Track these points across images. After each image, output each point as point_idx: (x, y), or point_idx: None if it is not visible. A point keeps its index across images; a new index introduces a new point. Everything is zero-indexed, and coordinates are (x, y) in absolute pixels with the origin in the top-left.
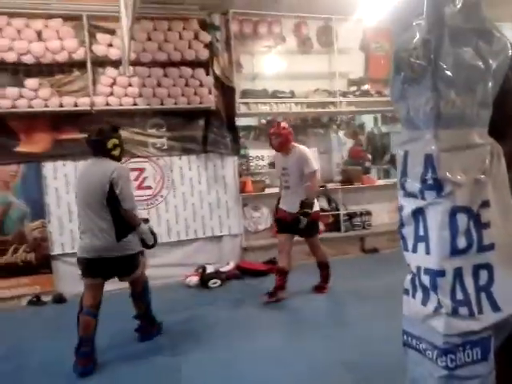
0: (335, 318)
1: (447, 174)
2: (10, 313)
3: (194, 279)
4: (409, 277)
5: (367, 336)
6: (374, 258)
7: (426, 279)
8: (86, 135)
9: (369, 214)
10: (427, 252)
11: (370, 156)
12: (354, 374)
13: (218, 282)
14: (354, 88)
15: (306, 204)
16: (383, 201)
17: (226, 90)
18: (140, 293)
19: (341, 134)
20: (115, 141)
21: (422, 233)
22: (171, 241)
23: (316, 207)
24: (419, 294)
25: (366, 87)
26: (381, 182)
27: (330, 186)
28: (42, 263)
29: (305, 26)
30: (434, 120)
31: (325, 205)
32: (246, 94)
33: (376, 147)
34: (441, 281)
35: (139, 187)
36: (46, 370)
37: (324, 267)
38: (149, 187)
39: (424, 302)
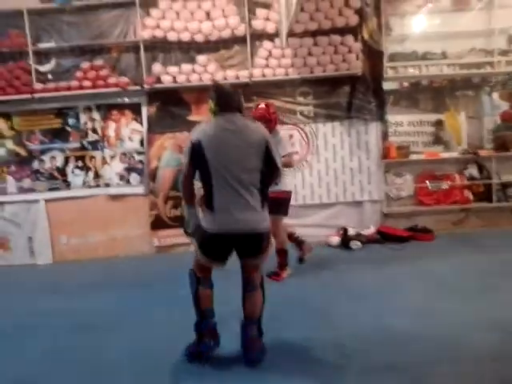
0: (477, 283)
1: None
2: (181, 256)
3: (336, 240)
4: None
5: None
6: None
7: None
8: (215, 86)
9: None
10: None
11: None
12: (497, 332)
13: (359, 243)
14: None
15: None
16: None
17: (373, 54)
18: (261, 284)
19: (495, 96)
20: None
21: None
22: (314, 203)
23: (286, 187)
24: None
25: None
26: None
27: (482, 153)
28: None
29: None
30: None
31: (475, 173)
32: (394, 57)
33: None
34: None
35: None
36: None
37: (281, 254)
38: (296, 153)
39: None
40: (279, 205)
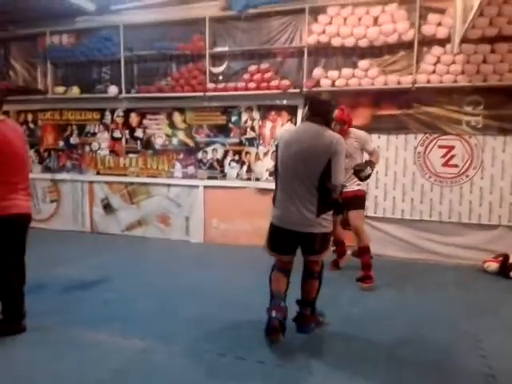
0: None
1: None
2: None
3: (494, 265)
4: None
5: None
6: None
7: None
8: (309, 96)
9: None
10: None
11: None
12: None
13: None
14: None
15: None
16: None
17: None
18: (318, 272)
19: None
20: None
21: None
22: (471, 223)
23: (361, 185)
24: None
25: None
26: None
27: None
28: None
29: None
30: None
31: None
32: None
33: None
34: None
35: (445, 164)
36: None
37: (365, 252)
38: (455, 165)
39: None
40: (362, 200)
